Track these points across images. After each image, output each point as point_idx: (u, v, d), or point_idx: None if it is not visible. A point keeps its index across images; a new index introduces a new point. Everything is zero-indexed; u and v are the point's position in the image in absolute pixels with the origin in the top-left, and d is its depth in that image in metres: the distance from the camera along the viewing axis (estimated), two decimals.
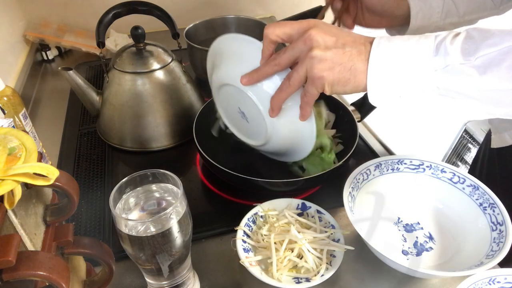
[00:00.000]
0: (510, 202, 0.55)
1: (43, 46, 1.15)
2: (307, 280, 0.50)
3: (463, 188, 0.60)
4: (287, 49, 0.47)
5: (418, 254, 0.56)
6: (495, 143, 0.81)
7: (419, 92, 0.44)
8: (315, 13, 0.86)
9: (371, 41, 0.45)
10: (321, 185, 0.68)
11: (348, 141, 0.71)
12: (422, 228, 0.60)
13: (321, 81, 0.45)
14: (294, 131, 0.55)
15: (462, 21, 0.70)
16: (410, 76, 0.43)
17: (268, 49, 0.49)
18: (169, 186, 0.45)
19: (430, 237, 0.58)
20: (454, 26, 0.72)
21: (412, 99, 0.46)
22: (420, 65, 0.43)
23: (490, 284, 0.47)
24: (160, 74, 0.75)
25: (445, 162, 0.77)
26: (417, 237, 0.58)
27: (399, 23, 0.69)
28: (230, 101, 0.59)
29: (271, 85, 0.51)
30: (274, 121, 0.54)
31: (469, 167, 0.99)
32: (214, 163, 0.62)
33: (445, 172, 0.62)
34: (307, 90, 0.47)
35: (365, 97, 0.74)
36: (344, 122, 0.73)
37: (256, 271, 0.50)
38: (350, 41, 0.45)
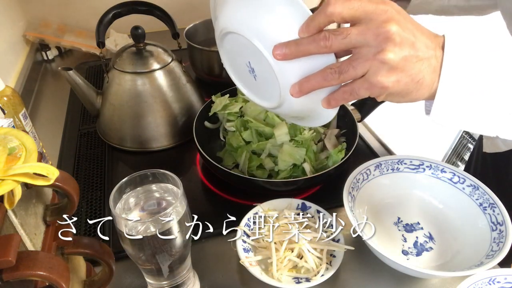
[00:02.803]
0: (505, 206, 0.54)
1: (43, 46, 1.15)
2: (307, 280, 0.50)
3: (463, 188, 0.60)
4: (349, 35, 0.37)
5: (418, 254, 0.56)
6: (487, 148, 0.80)
7: (492, 122, 0.41)
8: None
9: (441, 44, 0.39)
10: (321, 185, 0.68)
11: (348, 141, 0.71)
12: (422, 228, 0.60)
13: (382, 91, 0.38)
14: (310, 109, 0.46)
15: (468, 5, 0.67)
16: (487, 105, 0.40)
17: (320, 26, 0.37)
18: (169, 186, 0.45)
19: (430, 237, 0.58)
20: (460, 10, 0.69)
21: (483, 127, 0.42)
22: (501, 94, 0.39)
23: (490, 284, 0.47)
24: (160, 74, 0.75)
25: (445, 162, 0.77)
26: (417, 237, 0.58)
27: None
28: (238, 52, 0.46)
29: (306, 65, 0.40)
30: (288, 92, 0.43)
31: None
32: (214, 163, 0.62)
33: (445, 172, 0.62)
34: (355, 91, 0.39)
35: (365, 98, 0.74)
36: (344, 122, 0.73)
37: (256, 271, 0.50)
38: (423, 44, 0.38)
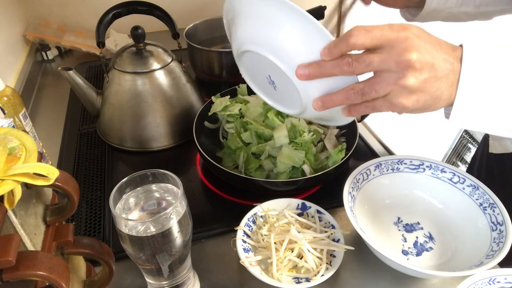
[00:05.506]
0: (510, 207, 0.54)
1: (43, 46, 1.15)
2: (307, 280, 0.50)
3: (463, 188, 0.60)
4: (372, 62, 0.39)
5: (418, 254, 0.56)
6: (494, 149, 0.80)
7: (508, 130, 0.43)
8: (316, 13, 0.86)
9: (459, 57, 0.41)
10: (321, 185, 0.68)
11: (348, 141, 0.71)
12: (422, 228, 0.60)
13: (403, 110, 0.42)
14: (331, 114, 0.49)
15: (478, 12, 0.70)
16: (505, 109, 0.42)
17: (341, 52, 0.40)
18: (169, 186, 0.45)
19: (430, 237, 0.58)
20: (468, 16, 0.71)
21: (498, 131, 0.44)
22: None
23: (490, 284, 0.47)
24: (160, 74, 0.75)
25: (445, 162, 0.77)
26: (417, 237, 0.58)
27: (414, 5, 0.70)
28: (257, 66, 0.48)
29: (329, 83, 0.43)
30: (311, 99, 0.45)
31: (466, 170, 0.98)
32: (214, 163, 0.62)
33: (445, 172, 0.62)
34: (377, 108, 0.42)
35: None
36: None
37: (256, 271, 0.50)
38: (442, 61, 0.40)
